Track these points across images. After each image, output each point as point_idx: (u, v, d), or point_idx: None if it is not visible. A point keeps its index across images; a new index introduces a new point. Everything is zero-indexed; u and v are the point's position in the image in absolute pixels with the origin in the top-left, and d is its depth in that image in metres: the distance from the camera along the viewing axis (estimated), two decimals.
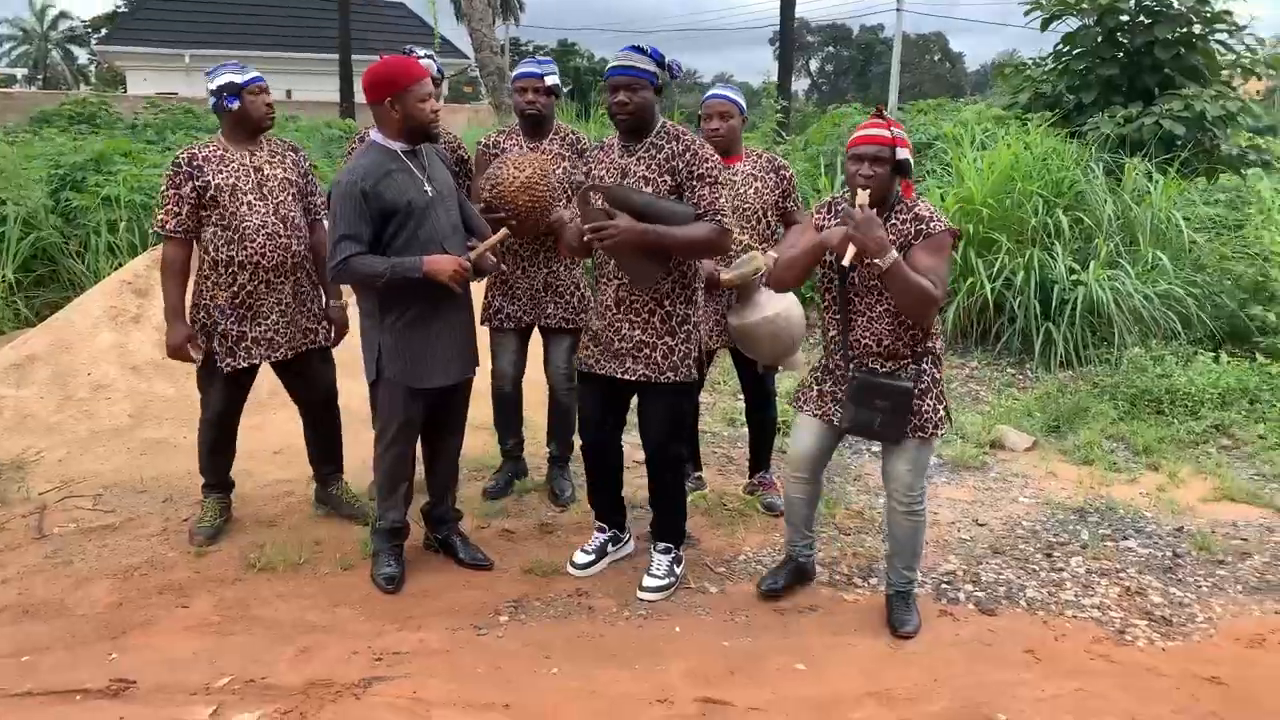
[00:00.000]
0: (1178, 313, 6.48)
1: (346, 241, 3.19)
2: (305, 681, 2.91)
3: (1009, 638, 3.30)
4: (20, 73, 30.90)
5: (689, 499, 4.26)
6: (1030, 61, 10.08)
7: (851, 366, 3.22)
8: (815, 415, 3.34)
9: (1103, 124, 8.14)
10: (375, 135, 3.33)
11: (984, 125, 8.38)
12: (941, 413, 3.23)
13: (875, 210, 3.08)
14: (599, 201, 3.23)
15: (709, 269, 3.93)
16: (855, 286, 3.18)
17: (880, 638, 3.28)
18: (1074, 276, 6.52)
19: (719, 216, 3.26)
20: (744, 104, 4.08)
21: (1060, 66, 9.21)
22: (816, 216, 3.34)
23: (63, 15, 47.56)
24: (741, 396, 4.47)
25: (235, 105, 3.62)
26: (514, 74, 4.16)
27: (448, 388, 3.47)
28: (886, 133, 3.09)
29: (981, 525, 4.26)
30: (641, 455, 3.60)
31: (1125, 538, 4.12)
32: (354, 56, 18.37)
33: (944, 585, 3.68)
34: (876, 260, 3.00)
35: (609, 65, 3.33)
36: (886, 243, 3.01)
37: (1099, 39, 8.78)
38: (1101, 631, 3.36)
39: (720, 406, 5.82)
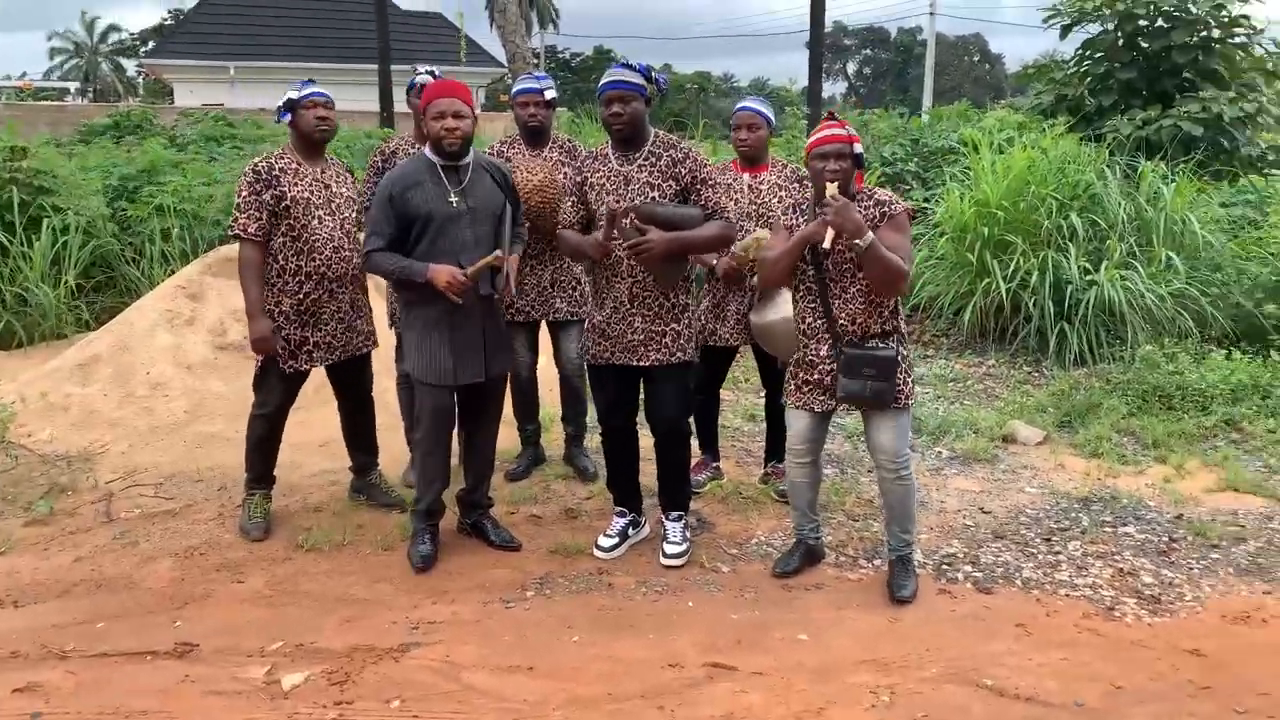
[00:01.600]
0: (1191, 312, 6.63)
1: (373, 237, 3.59)
2: (349, 646, 3.20)
3: (1003, 614, 3.52)
4: (73, 86, 31.83)
5: (706, 488, 4.55)
6: (1052, 63, 10.23)
7: (839, 345, 3.50)
8: (799, 406, 3.64)
9: (1121, 126, 8.28)
10: (426, 148, 3.72)
11: (1005, 131, 8.54)
12: (911, 384, 3.59)
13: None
14: (630, 222, 3.53)
15: (724, 264, 4.23)
16: (830, 272, 3.48)
17: (880, 612, 3.51)
18: (1088, 277, 6.68)
19: (725, 213, 3.70)
20: (772, 116, 4.39)
21: (1081, 70, 9.35)
22: (786, 219, 3.64)
23: (112, 28, 48.78)
24: (763, 394, 4.73)
25: (287, 119, 3.91)
26: (514, 90, 4.51)
27: (475, 385, 3.73)
28: (843, 131, 3.41)
29: (986, 513, 4.46)
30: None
31: (1124, 524, 4.31)
32: (393, 67, 18.76)
33: (944, 566, 3.90)
34: (856, 240, 3.29)
35: (602, 81, 3.66)
36: (864, 223, 3.31)
37: (1118, 43, 8.92)
38: (1092, 608, 3.57)
39: (742, 403, 6.07)
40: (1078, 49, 9.43)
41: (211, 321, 6.06)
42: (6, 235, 7.16)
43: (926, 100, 27.12)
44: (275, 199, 3.85)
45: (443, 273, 3.49)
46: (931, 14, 29.25)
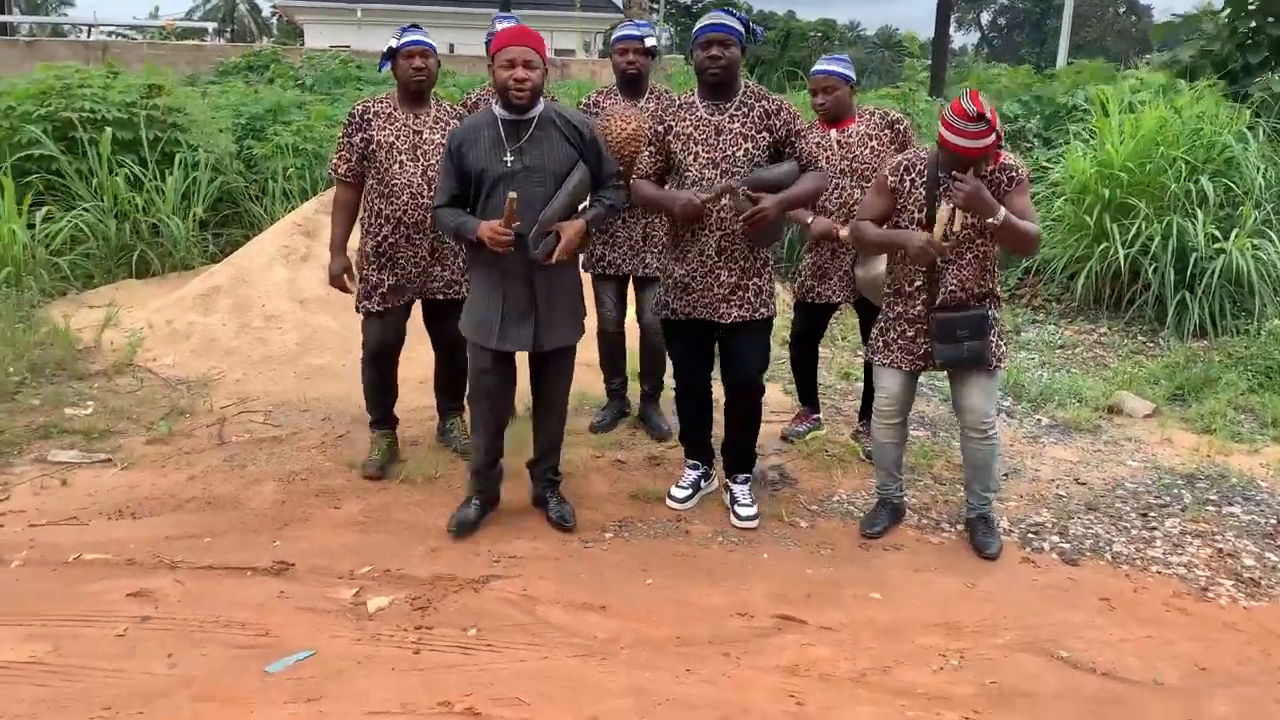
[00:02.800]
0: None
1: (439, 193, 3.52)
2: (433, 575, 3.35)
3: (1087, 586, 3.44)
4: (211, 26, 33.01)
5: (807, 438, 4.61)
6: (1203, 13, 9.58)
7: (934, 310, 3.47)
8: (888, 364, 3.61)
9: (1273, 84, 7.75)
10: (494, 99, 3.53)
11: (1142, 92, 8.09)
12: (1004, 347, 3.55)
13: (973, 171, 3.29)
14: (741, 193, 3.47)
15: (820, 226, 4.18)
16: (947, 229, 3.39)
17: (957, 576, 3.47)
18: (1215, 245, 6.34)
19: (819, 164, 3.66)
20: (851, 74, 4.27)
21: (1231, 24, 8.76)
22: (891, 180, 3.51)
23: None
24: (861, 354, 4.67)
25: (387, 69, 3.96)
26: (615, 36, 4.46)
27: (541, 355, 3.60)
28: (990, 139, 3.23)
29: (1081, 484, 4.34)
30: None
31: (1230, 504, 4.14)
32: (515, 11, 18.90)
33: (1030, 535, 3.82)
34: (990, 220, 3.26)
35: (699, 24, 3.58)
36: (995, 203, 3.26)
37: None
38: (1184, 587, 3.45)
39: (837, 361, 6.00)
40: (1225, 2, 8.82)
41: (325, 258, 6.26)
42: (141, 169, 7.53)
43: (1062, 54, 25.76)
44: (364, 142, 3.93)
45: (485, 227, 3.32)
46: None
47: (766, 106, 3.58)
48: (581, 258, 3.78)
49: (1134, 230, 6.48)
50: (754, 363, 3.72)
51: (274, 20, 41.69)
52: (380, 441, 4.24)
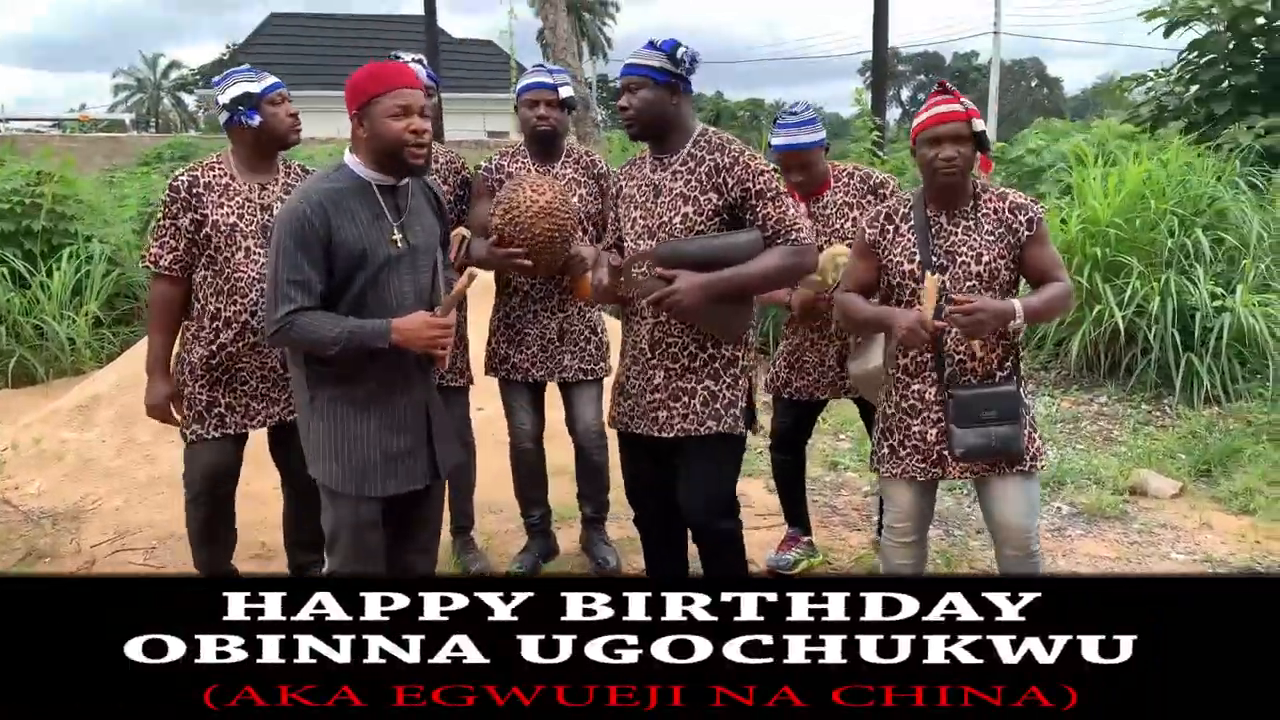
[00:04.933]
0: None
1: (292, 289, 2.40)
2: None
3: None
4: (128, 118, 32.35)
5: (798, 569, 3.78)
6: (1152, 73, 9.42)
7: (946, 390, 2.73)
8: (896, 475, 2.84)
9: (1240, 135, 7.46)
10: (348, 158, 2.54)
11: (1114, 142, 7.75)
12: (1039, 441, 2.82)
13: (957, 196, 2.72)
14: (646, 269, 2.72)
15: (797, 298, 3.42)
16: (944, 294, 2.69)
17: None
18: (1217, 302, 5.86)
19: (794, 233, 2.72)
20: (820, 136, 3.46)
21: (1188, 76, 8.55)
22: (869, 234, 2.83)
23: (174, 65, 49.87)
24: (843, 437, 4.00)
25: (255, 120, 3.04)
26: (520, 86, 3.56)
27: (409, 493, 2.67)
28: (959, 106, 2.65)
29: None
30: None
31: None
32: (445, 95, 18.50)
33: None
34: (1010, 324, 2.61)
35: None
36: (1005, 308, 2.59)
37: (1230, 45, 8.11)
38: None
39: (819, 448, 5.30)
40: (1182, 53, 8.62)
41: None
42: (27, 265, 6.75)
43: (992, 124, 26.20)
44: (195, 224, 3.01)
45: (417, 325, 2.45)
46: (996, 33, 28.29)
47: (719, 160, 2.74)
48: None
49: (1128, 290, 5.98)
50: (700, 500, 2.83)
51: (199, 113, 41.13)
52: None
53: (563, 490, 4.05)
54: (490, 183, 3.53)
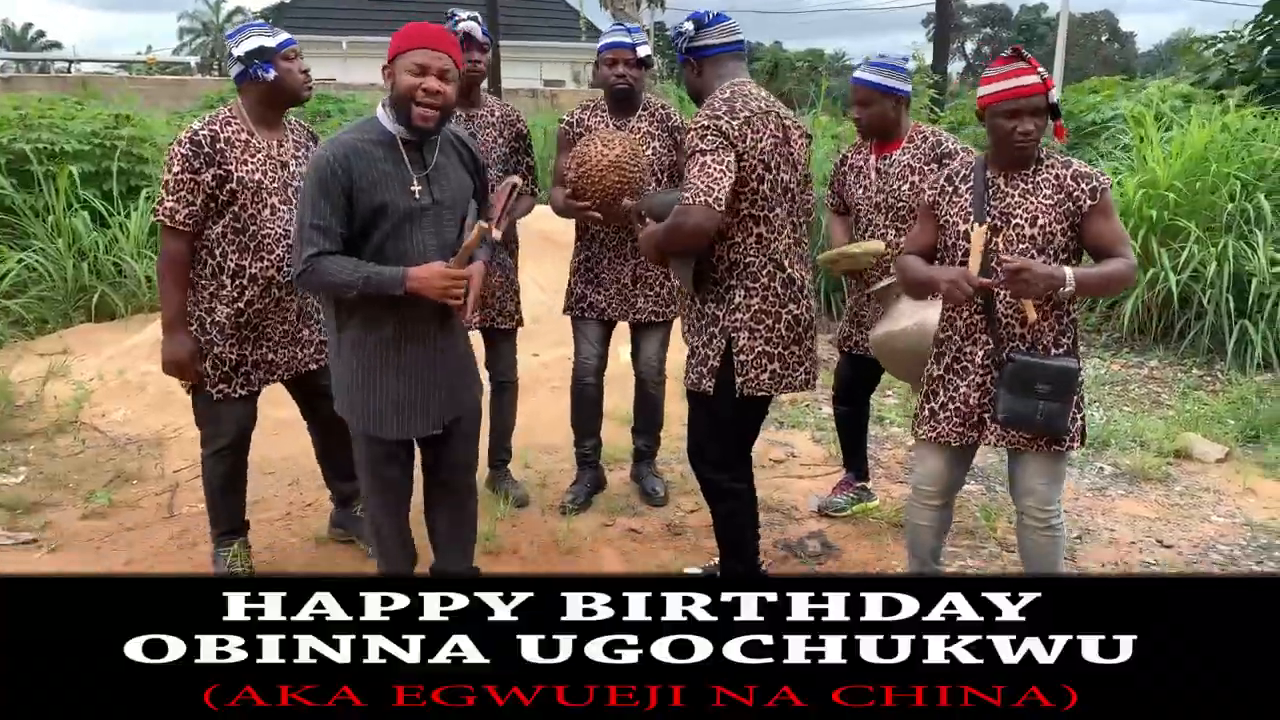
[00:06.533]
0: None
1: (315, 234, 2.48)
2: None
3: None
4: (193, 61, 32.71)
5: (850, 511, 3.94)
6: (1223, 34, 9.18)
7: (1004, 351, 2.70)
8: (932, 438, 2.84)
9: None
10: (379, 111, 2.59)
11: (1170, 103, 7.62)
12: (1080, 421, 2.76)
13: (1024, 163, 2.68)
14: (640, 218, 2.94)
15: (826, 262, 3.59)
16: (994, 254, 2.67)
17: None
18: (1277, 269, 5.81)
19: (685, 192, 2.69)
20: (893, 84, 3.46)
21: (1262, 37, 8.32)
22: (929, 193, 2.84)
23: (238, 10, 50.16)
24: (889, 393, 4.10)
25: (270, 74, 3.01)
26: (601, 44, 3.70)
27: (438, 434, 2.76)
28: (1037, 77, 2.60)
29: (1167, 547, 3.76)
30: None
31: None
32: (503, 42, 18.51)
33: None
34: (1063, 290, 2.55)
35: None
36: (1055, 273, 2.53)
37: None
38: None
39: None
40: (1258, 13, 8.39)
41: None
42: (106, 205, 6.99)
43: (1058, 80, 25.52)
44: (218, 180, 2.97)
45: (432, 275, 2.50)
46: None
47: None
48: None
49: (1184, 255, 5.94)
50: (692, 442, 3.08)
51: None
52: (241, 552, 3.34)
53: (614, 431, 4.23)
54: (571, 136, 3.75)
